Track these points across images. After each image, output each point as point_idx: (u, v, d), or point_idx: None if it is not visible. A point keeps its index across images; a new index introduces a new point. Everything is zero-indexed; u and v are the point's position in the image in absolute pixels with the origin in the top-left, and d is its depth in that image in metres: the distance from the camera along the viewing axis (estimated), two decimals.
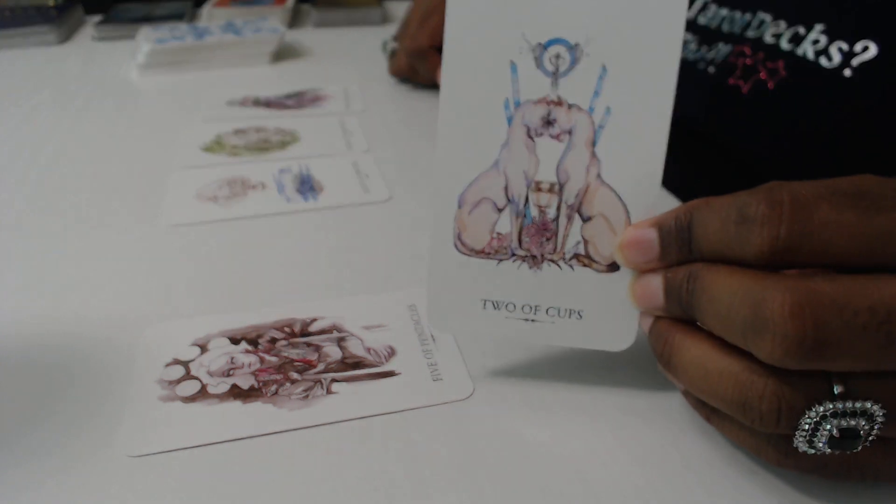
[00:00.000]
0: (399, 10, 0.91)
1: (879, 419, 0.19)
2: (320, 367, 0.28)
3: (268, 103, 0.60)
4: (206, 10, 0.88)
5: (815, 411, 0.19)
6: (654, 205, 0.23)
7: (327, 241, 0.38)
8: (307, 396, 0.27)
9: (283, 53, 0.74)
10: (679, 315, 0.22)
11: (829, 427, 0.19)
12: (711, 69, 0.44)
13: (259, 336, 0.30)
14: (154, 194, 0.44)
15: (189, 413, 0.26)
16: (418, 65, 0.60)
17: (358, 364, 0.28)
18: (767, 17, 0.41)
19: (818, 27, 0.37)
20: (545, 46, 0.23)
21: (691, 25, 0.49)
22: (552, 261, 0.25)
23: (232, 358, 0.29)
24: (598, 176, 0.24)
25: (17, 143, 0.53)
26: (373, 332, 0.30)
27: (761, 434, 0.21)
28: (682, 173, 0.39)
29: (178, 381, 0.28)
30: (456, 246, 0.25)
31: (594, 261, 0.24)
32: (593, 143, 0.23)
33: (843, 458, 0.20)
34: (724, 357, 0.20)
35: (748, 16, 0.43)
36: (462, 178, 0.24)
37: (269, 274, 0.35)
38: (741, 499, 0.22)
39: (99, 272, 0.36)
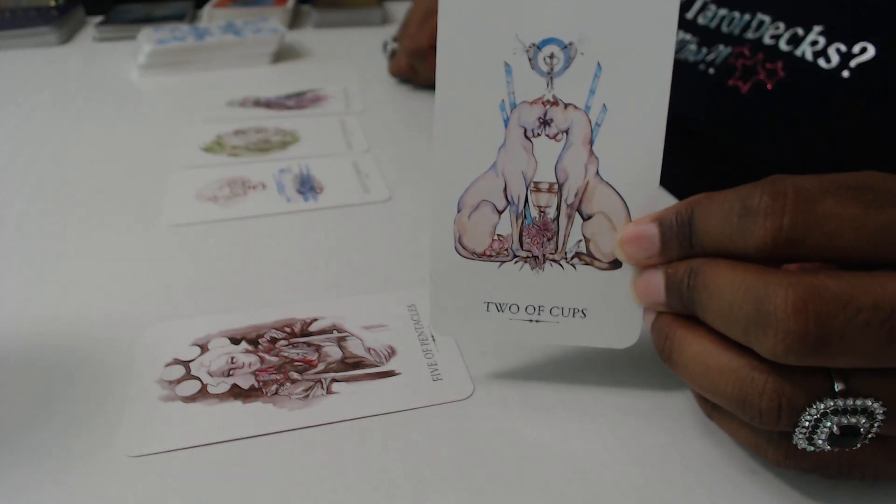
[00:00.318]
0: (399, 11, 0.91)
1: (880, 417, 0.19)
2: (320, 366, 0.28)
3: (268, 104, 0.60)
4: (206, 10, 0.88)
5: (816, 408, 0.19)
6: (653, 201, 0.23)
7: (327, 241, 0.38)
8: (307, 396, 0.27)
9: (283, 54, 0.75)
10: (680, 310, 0.22)
11: (829, 424, 0.19)
12: (711, 70, 0.44)
13: (259, 336, 0.30)
14: (154, 194, 0.44)
15: (189, 413, 0.26)
16: (418, 65, 0.60)
17: (358, 364, 0.28)
18: (766, 19, 0.41)
19: (817, 28, 0.37)
20: (539, 47, 0.23)
21: (691, 26, 0.49)
22: (554, 261, 0.25)
23: (232, 358, 0.29)
24: (597, 174, 0.24)
25: (17, 144, 0.53)
26: (373, 332, 0.30)
27: (761, 432, 0.21)
28: (682, 173, 0.39)
29: (179, 381, 0.28)
30: (457, 249, 0.25)
31: (596, 259, 0.24)
32: (591, 142, 0.23)
33: (842, 458, 0.20)
34: (725, 353, 0.20)
35: (747, 16, 0.43)
36: (460, 182, 0.24)
37: (269, 274, 0.35)
38: (741, 498, 0.22)
39: (99, 272, 0.36)
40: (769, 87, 0.39)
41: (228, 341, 0.30)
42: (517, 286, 0.25)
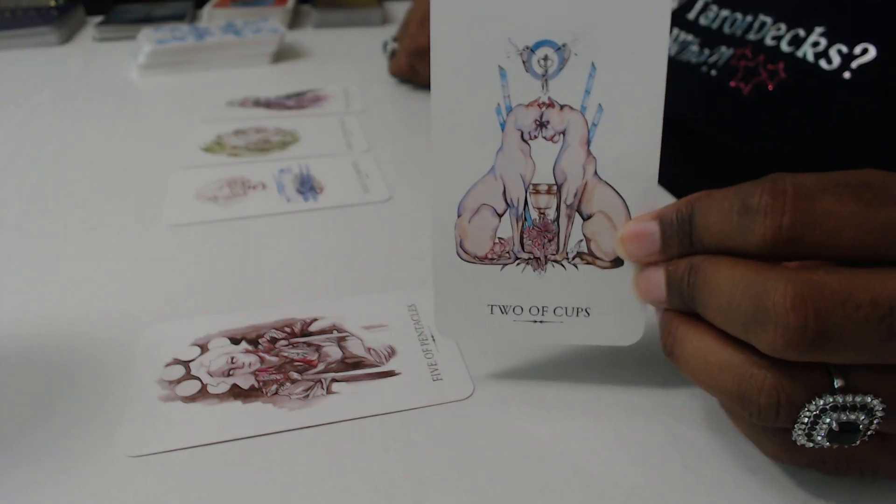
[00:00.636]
0: (399, 11, 0.91)
1: (879, 413, 0.19)
2: (320, 366, 0.28)
3: (268, 104, 0.60)
4: (206, 10, 0.88)
5: (815, 405, 0.19)
6: (653, 199, 0.24)
7: (327, 241, 0.38)
8: (307, 396, 0.27)
9: (283, 54, 0.75)
10: (681, 307, 0.22)
11: (828, 421, 0.19)
12: (713, 72, 0.44)
13: (259, 336, 0.30)
14: (154, 194, 0.44)
15: (189, 413, 0.26)
16: (418, 65, 0.60)
17: (358, 364, 0.28)
18: (768, 20, 0.41)
19: (818, 30, 0.37)
20: (532, 49, 0.23)
21: (693, 27, 0.49)
22: (556, 261, 0.25)
23: (232, 358, 0.29)
24: (595, 173, 0.24)
25: (17, 144, 0.53)
26: (373, 332, 0.30)
27: (760, 426, 0.21)
28: (683, 174, 0.39)
29: (179, 381, 0.28)
30: (458, 254, 0.25)
31: (597, 258, 0.24)
32: (588, 142, 0.23)
33: (841, 454, 0.20)
34: (725, 349, 0.20)
35: (749, 18, 0.43)
36: (460, 186, 0.24)
37: (269, 274, 0.35)
38: (741, 497, 0.22)
39: (99, 272, 0.36)
40: (770, 87, 0.39)
41: (228, 341, 0.30)
42: (520, 288, 0.25)
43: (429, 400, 0.27)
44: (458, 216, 0.25)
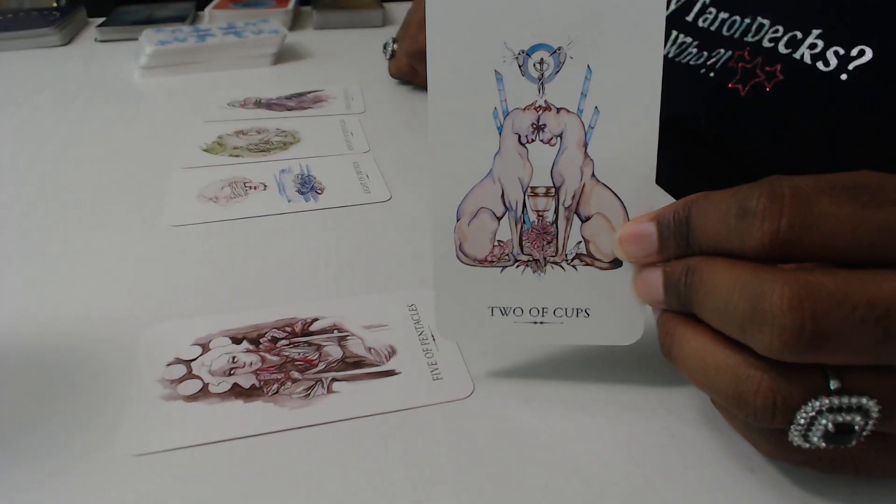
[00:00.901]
0: (400, 12, 0.91)
1: (875, 415, 0.19)
2: (321, 366, 0.28)
3: (269, 104, 0.60)
4: (207, 12, 0.88)
5: (811, 406, 0.19)
6: (650, 200, 0.24)
7: (328, 242, 0.38)
8: (308, 395, 0.27)
9: (284, 55, 0.75)
10: (678, 308, 0.22)
11: (824, 422, 0.19)
12: (712, 74, 0.44)
13: (260, 335, 0.30)
14: (155, 195, 0.44)
15: (191, 412, 0.26)
16: (418, 66, 0.60)
17: (358, 363, 0.29)
18: (766, 22, 0.42)
19: (815, 32, 0.38)
20: (528, 53, 0.23)
21: (692, 28, 0.49)
22: (555, 263, 0.25)
23: (233, 357, 0.29)
24: (593, 175, 0.24)
25: (19, 144, 0.53)
26: (373, 332, 0.30)
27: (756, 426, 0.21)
28: (682, 175, 0.39)
29: (180, 381, 0.28)
30: (458, 257, 0.25)
31: (596, 259, 0.25)
32: (585, 144, 0.24)
33: (836, 453, 0.20)
34: (722, 350, 0.20)
35: (747, 20, 0.43)
36: (458, 190, 0.25)
37: (270, 274, 0.35)
38: (741, 497, 0.22)
39: (100, 272, 0.36)
40: (767, 88, 0.39)
41: (230, 341, 0.30)
42: (520, 290, 0.25)
43: (429, 399, 0.27)
44: (458, 220, 0.25)
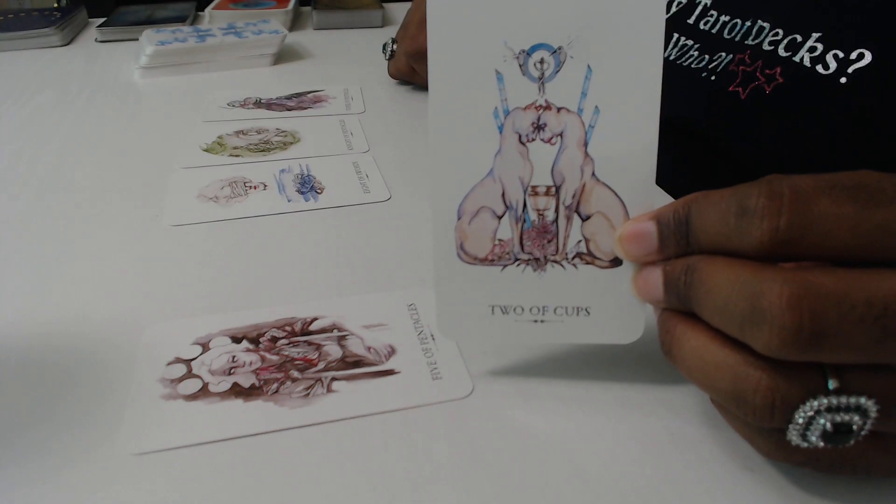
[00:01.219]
0: (399, 12, 0.91)
1: (873, 414, 0.19)
2: (321, 365, 0.28)
3: (269, 104, 0.60)
4: (208, 12, 0.88)
5: (810, 405, 0.19)
6: (650, 199, 0.24)
7: (328, 241, 0.39)
8: (308, 395, 0.27)
9: (284, 55, 0.75)
10: (678, 307, 0.22)
11: (822, 421, 0.19)
12: (713, 77, 0.44)
13: (260, 335, 0.30)
14: (155, 195, 0.44)
15: (190, 411, 0.26)
16: (418, 66, 0.60)
17: (358, 363, 0.29)
18: (766, 25, 0.42)
19: (815, 35, 0.38)
20: (528, 53, 0.23)
21: (693, 31, 0.49)
22: (555, 262, 0.25)
23: (233, 356, 0.29)
24: (593, 175, 0.24)
25: (19, 144, 0.53)
26: (373, 331, 0.30)
27: (755, 425, 0.21)
28: (682, 177, 0.39)
29: (180, 380, 0.28)
30: (459, 255, 0.25)
31: (597, 258, 0.25)
32: (585, 144, 0.24)
33: (835, 452, 0.20)
34: (722, 349, 0.20)
35: (748, 23, 0.43)
36: (459, 189, 0.25)
37: (270, 273, 0.35)
38: (740, 495, 0.22)
39: (101, 272, 0.36)
40: (767, 91, 0.40)
41: (230, 340, 0.30)
42: (520, 288, 0.25)
43: (428, 398, 0.27)
44: (458, 219, 0.25)
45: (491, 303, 0.26)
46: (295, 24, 0.89)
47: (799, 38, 0.38)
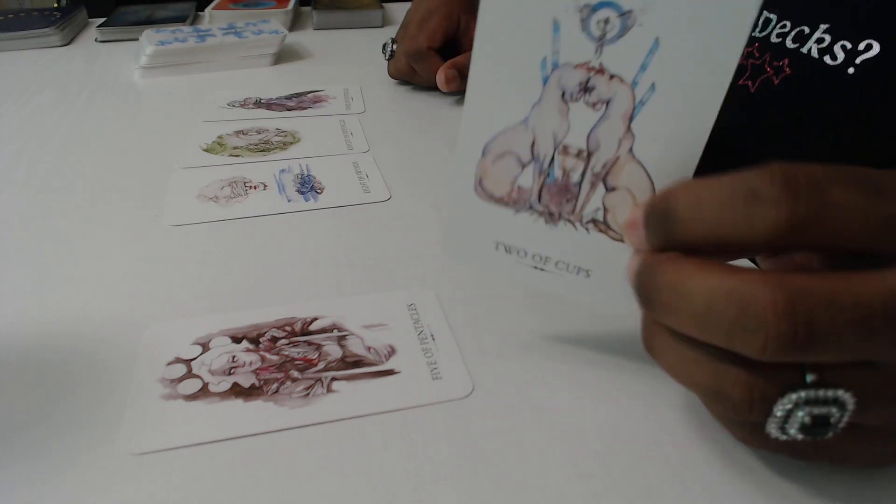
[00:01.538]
0: (399, 12, 0.91)
1: (851, 407, 0.19)
2: (321, 365, 0.28)
3: (269, 104, 0.60)
4: (207, 12, 0.88)
5: (788, 399, 0.19)
6: None
7: (328, 241, 0.39)
8: (308, 395, 0.27)
9: (284, 55, 0.75)
10: (644, 307, 0.22)
11: (801, 414, 0.19)
12: None
13: (260, 335, 0.30)
14: (155, 195, 0.44)
15: (191, 411, 0.26)
16: (417, 66, 0.60)
17: (358, 363, 0.29)
18: (773, 17, 0.42)
19: (822, 26, 0.38)
20: (594, 8, 0.21)
21: None
22: (569, 220, 0.25)
23: (233, 356, 0.29)
24: (630, 150, 0.23)
25: (19, 144, 0.53)
26: (373, 331, 0.30)
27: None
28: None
29: (180, 380, 0.28)
30: (476, 190, 0.25)
31: (611, 229, 0.24)
32: (630, 118, 0.22)
33: (811, 441, 0.20)
34: (701, 345, 0.20)
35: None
36: (489, 128, 0.24)
37: (270, 273, 0.35)
38: (741, 496, 0.22)
39: (101, 272, 0.36)
40: (776, 82, 0.40)
41: (230, 340, 0.30)
42: (529, 234, 0.25)
43: (428, 399, 0.27)
44: (483, 156, 0.25)
45: (497, 239, 0.26)
46: (295, 24, 0.89)
47: (806, 30, 0.38)
